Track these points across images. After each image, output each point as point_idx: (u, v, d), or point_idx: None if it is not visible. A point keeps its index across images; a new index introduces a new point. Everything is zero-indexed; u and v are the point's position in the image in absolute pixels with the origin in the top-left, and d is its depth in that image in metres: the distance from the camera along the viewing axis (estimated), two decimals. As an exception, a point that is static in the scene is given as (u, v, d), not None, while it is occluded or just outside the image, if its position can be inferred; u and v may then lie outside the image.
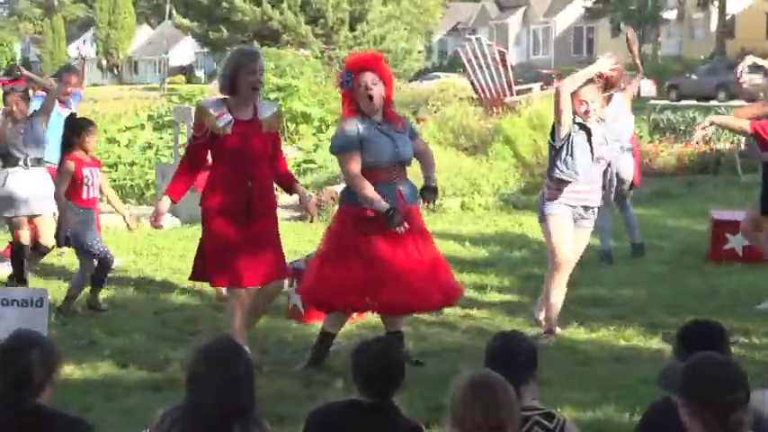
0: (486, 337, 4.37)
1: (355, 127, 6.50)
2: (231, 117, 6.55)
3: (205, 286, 9.02)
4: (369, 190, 6.42)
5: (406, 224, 6.41)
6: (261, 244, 6.62)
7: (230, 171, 6.56)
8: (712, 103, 33.82)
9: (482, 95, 23.04)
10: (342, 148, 6.53)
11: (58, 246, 9.05)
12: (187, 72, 72.76)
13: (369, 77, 6.52)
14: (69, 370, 6.68)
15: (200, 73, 73.40)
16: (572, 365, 6.76)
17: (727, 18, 58.43)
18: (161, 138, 18.81)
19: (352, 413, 3.94)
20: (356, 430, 3.88)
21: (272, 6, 40.20)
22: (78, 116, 9.29)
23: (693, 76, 42.84)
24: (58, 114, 9.71)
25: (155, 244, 11.31)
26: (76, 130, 8.38)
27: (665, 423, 3.87)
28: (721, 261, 9.91)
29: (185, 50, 78.84)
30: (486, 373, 3.53)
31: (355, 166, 6.46)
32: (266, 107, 6.79)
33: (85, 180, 8.24)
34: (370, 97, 6.51)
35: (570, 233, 7.23)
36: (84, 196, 8.26)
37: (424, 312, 7.31)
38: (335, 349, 6.78)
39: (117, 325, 7.91)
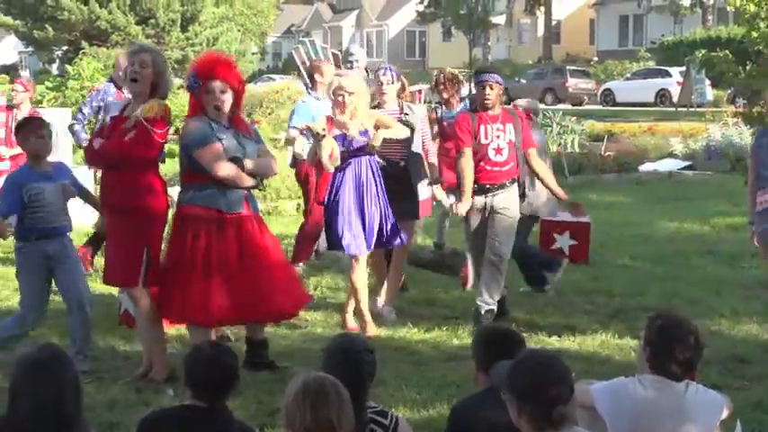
0: (321, 340, 4.38)
1: (206, 124, 6.33)
2: (114, 114, 6.61)
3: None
4: (237, 171, 6.34)
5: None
6: (108, 242, 6.66)
7: None
8: (540, 106, 34.84)
9: (316, 97, 23.04)
10: (199, 138, 6.30)
11: None
12: (11, 71, 70.26)
13: (218, 86, 6.33)
14: None
15: (24, 72, 71.03)
16: (407, 365, 6.83)
17: (553, 24, 60.28)
18: (-16, 139, 18.11)
19: (184, 418, 3.91)
20: (189, 435, 3.84)
21: (100, 5, 39.21)
22: None
23: (522, 80, 43.98)
24: None
25: None
26: None
27: (471, 421, 3.98)
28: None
29: (8, 49, 76.21)
30: (320, 377, 3.53)
31: (220, 156, 6.27)
32: (143, 105, 6.40)
33: None
34: (217, 108, 6.36)
35: None
36: None
37: (273, 321, 7.14)
38: (170, 353, 6.68)
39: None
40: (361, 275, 7.66)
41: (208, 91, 6.34)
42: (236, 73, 6.53)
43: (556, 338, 7.53)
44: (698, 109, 29.34)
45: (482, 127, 7.77)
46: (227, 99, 6.36)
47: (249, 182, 6.42)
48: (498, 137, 7.77)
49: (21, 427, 3.40)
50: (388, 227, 7.66)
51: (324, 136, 7.41)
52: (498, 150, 7.77)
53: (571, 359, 6.33)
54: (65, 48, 42.10)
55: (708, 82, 32.57)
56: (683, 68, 33.86)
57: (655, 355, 4.08)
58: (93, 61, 19.24)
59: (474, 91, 8.32)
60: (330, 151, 7.44)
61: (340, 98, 7.54)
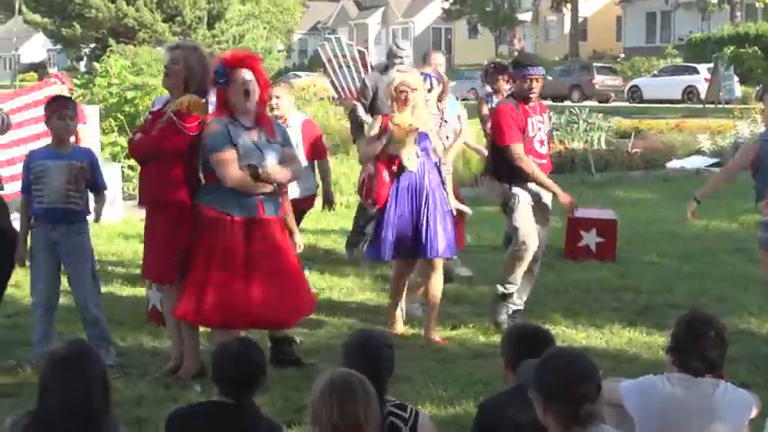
0: (347, 337, 4.38)
1: (224, 127, 6.21)
2: (156, 109, 6.60)
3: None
4: (247, 181, 6.19)
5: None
6: (145, 237, 6.62)
7: None
8: (567, 103, 34.71)
9: (342, 95, 23.06)
10: (213, 143, 6.19)
11: None
12: (39, 69, 70.72)
13: (246, 75, 6.22)
14: None
15: (52, 70, 71.53)
16: (433, 363, 6.83)
17: (580, 20, 60.04)
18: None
19: (212, 414, 3.92)
20: (216, 431, 3.85)
21: (127, 3, 39.47)
22: None
23: (548, 77, 43.81)
24: None
25: None
26: None
27: (497, 419, 3.97)
28: (576, 258, 10.16)
29: (37, 47, 76.75)
30: (346, 373, 3.54)
31: (233, 164, 6.16)
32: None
33: None
34: (247, 93, 6.20)
35: None
36: None
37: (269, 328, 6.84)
38: (201, 349, 6.69)
39: (-34, 330, 7.64)
40: (403, 279, 7.68)
41: (235, 80, 6.22)
42: (263, 68, 6.46)
43: (583, 336, 7.51)
44: (726, 106, 29.13)
45: (528, 120, 7.51)
46: (255, 89, 6.26)
47: (264, 188, 6.30)
48: (540, 129, 7.58)
49: (50, 422, 3.42)
50: (440, 236, 7.35)
51: (415, 130, 7.23)
52: (542, 142, 7.59)
53: (598, 357, 6.30)
54: (92, 45, 42.43)
55: (736, 78, 32.34)
56: (711, 65, 33.66)
57: (680, 352, 4.07)
58: (120, 59, 19.29)
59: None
60: (409, 150, 7.28)
61: (403, 95, 7.30)
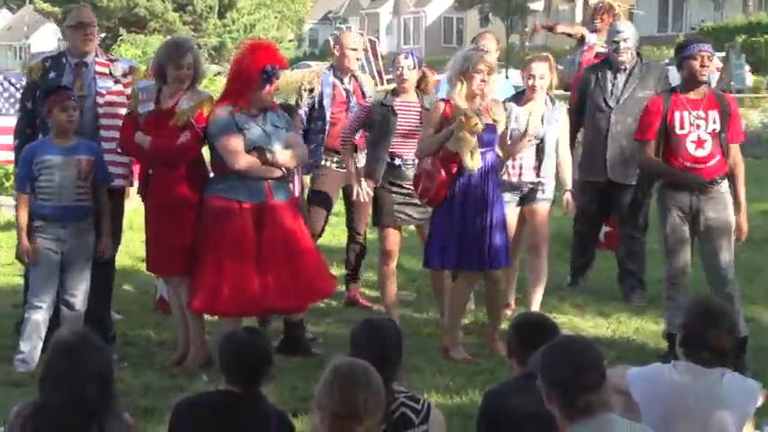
0: (354, 326, 4.38)
1: (228, 113, 6.27)
2: (152, 105, 6.42)
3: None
4: (257, 164, 6.24)
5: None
6: (151, 233, 6.58)
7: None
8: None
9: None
10: (220, 129, 6.25)
11: None
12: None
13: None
14: (-76, 366, 6.47)
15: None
16: (440, 353, 6.82)
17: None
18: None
19: (219, 403, 3.93)
20: (223, 420, 3.87)
21: (139, -8, 39.57)
22: None
23: (559, 66, 43.68)
24: None
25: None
26: None
27: (501, 408, 3.97)
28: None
29: (47, 36, 76.64)
30: (352, 361, 3.54)
31: (241, 148, 6.20)
32: (189, 99, 6.39)
33: None
34: (276, 87, 6.38)
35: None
36: None
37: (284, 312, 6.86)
38: (207, 339, 6.70)
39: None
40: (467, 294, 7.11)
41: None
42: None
43: (590, 325, 7.51)
44: (737, 95, 29.04)
45: (677, 113, 6.46)
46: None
47: (273, 172, 6.33)
48: (699, 126, 6.44)
49: (51, 412, 3.43)
50: (502, 245, 6.71)
51: (482, 130, 6.38)
52: (699, 143, 6.44)
53: (605, 346, 6.30)
54: (103, 35, 42.36)
55: (747, 68, 32.19)
56: (723, 54, 33.53)
57: (687, 341, 4.07)
58: (131, 48, 19.36)
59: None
60: (472, 148, 6.41)
61: (480, 77, 6.49)
